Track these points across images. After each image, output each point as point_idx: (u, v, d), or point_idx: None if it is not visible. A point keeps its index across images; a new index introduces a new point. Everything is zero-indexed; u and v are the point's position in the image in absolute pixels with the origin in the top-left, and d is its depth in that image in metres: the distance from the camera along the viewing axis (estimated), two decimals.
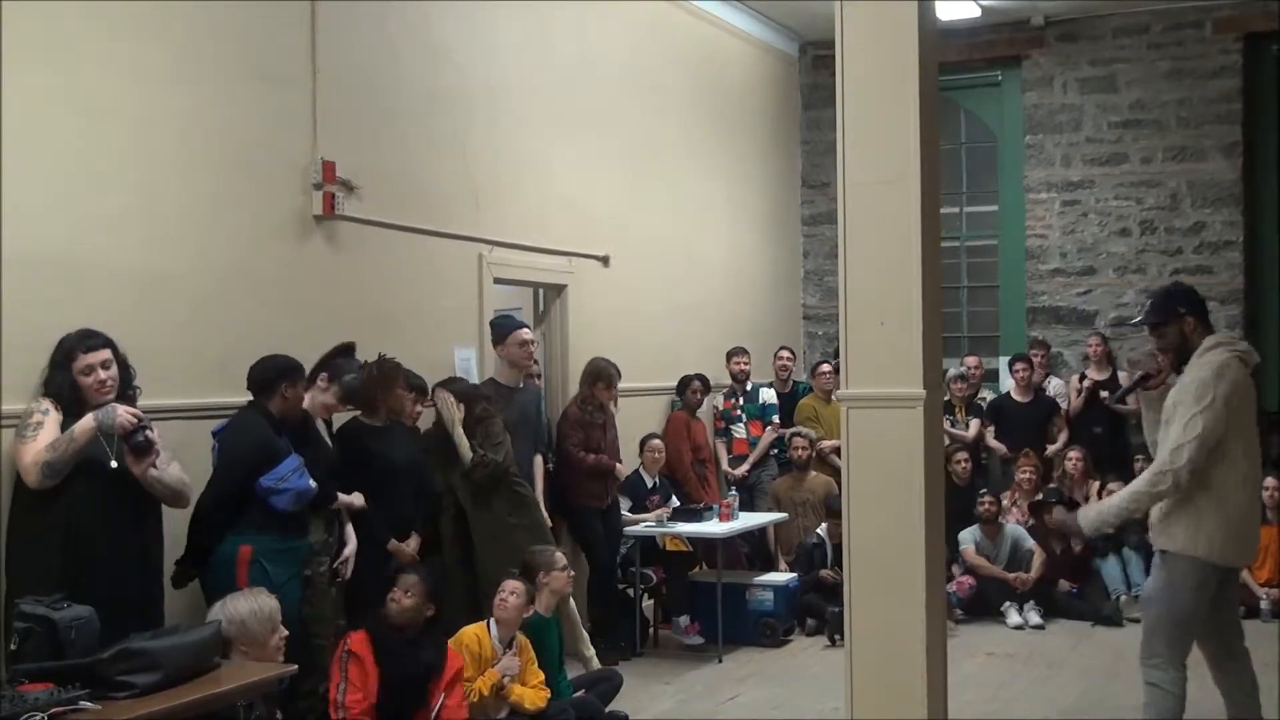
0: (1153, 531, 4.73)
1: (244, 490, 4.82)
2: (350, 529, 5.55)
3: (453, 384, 6.57)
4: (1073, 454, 9.29)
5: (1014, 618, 8.29)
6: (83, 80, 4.95)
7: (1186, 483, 4.52)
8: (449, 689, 5.19)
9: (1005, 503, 9.01)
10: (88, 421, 4.30)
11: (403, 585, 5.22)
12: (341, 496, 5.49)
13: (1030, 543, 8.68)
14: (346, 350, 5.59)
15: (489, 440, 6.46)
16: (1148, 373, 4.81)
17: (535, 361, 7.64)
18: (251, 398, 5.08)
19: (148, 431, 4.39)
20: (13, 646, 3.67)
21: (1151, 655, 4.69)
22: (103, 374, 4.45)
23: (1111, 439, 9.85)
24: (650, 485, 8.12)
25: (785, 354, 9.88)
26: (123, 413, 4.33)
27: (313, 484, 5.00)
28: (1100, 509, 4.88)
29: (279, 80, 5.88)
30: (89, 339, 4.49)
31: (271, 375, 5.06)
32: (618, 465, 7.70)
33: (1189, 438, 4.48)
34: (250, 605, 4.39)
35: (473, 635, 5.50)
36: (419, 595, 5.20)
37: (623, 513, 7.81)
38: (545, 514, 6.82)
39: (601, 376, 7.58)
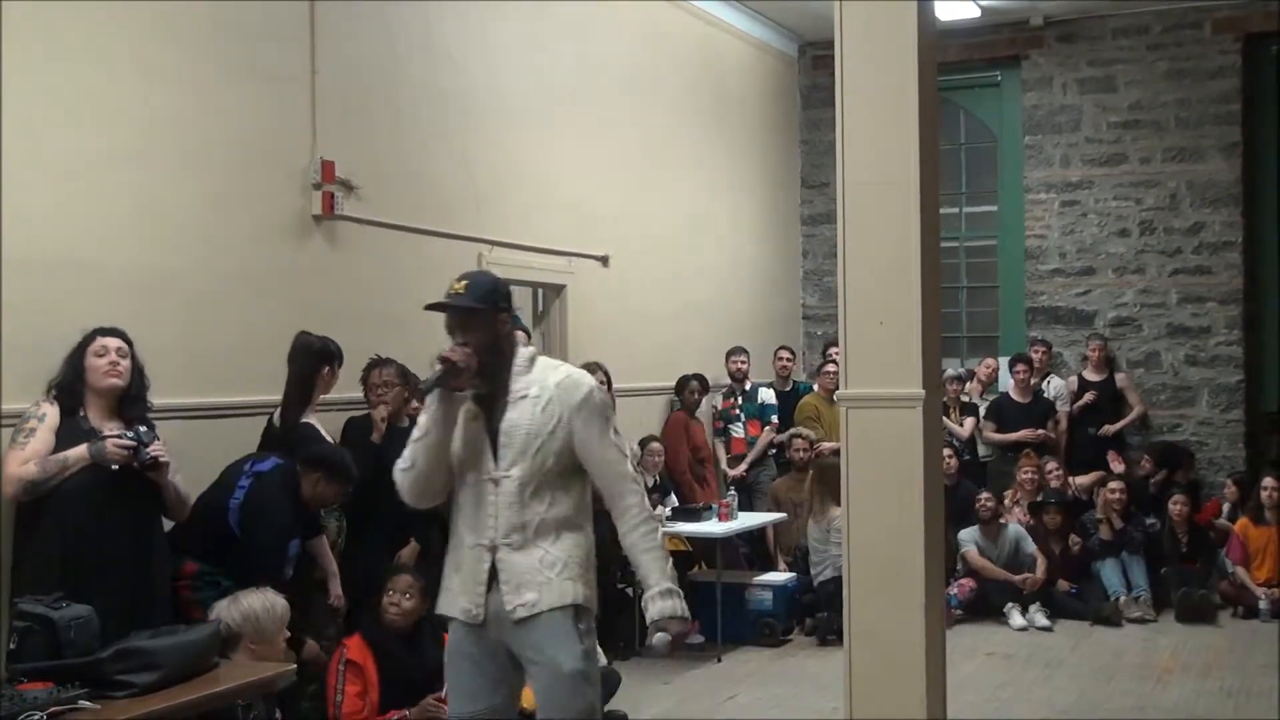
0: (563, 588, 3.65)
1: None
2: (328, 554, 5.33)
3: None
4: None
5: (1017, 619, 8.27)
6: (83, 80, 4.95)
7: None
8: None
9: (1006, 502, 9.01)
10: (82, 450, 4.25)
11: (401, 587, 5.16)
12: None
13: (1030, 542, 8.67)
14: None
15: None
16: (456, 365, 3.53)
17: None
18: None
19: (147, 450, 4.31)
20: (12, 646, 3.66)
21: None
22: (115, 356, 4.42)
23: (1108, 439, 9.88)
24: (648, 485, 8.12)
25: (785, 354, 9.87)
26: (110, 446, 4.26)
27: None
28: (674, 600, 3.91)
29: (279, 80, 5.88)
30: (109, 330, 4.49)
31: None
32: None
33: (628, 454, 3.76)
34: (263, 602, 4.36)
35: None
36: (418, 594, 5.15)
37: None
38: None
39: None
